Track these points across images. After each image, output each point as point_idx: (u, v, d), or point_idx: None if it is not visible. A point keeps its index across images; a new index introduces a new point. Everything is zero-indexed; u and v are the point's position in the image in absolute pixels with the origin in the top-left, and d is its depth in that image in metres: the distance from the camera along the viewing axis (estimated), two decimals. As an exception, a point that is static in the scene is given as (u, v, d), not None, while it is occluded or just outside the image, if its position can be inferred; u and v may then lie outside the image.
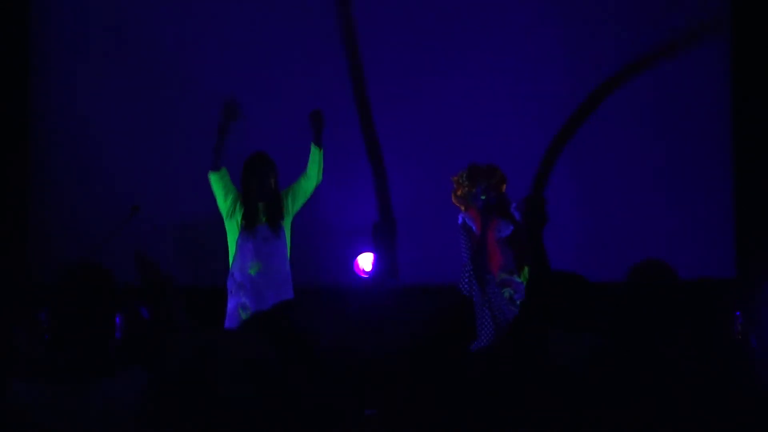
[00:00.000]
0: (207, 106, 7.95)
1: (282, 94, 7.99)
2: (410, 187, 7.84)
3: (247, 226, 6.56)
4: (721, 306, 4.06)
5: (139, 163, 7.91)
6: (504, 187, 6.33)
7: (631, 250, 7.35)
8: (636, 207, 7.89)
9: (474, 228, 6.31)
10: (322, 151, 6.67)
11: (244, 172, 6.64)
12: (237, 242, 6.61)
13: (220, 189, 6.66)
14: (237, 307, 6.54)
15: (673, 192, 7.98)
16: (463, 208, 6.35)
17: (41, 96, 7.96)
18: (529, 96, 7.97)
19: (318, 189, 7.58)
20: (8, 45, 7.94)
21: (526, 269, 6.17)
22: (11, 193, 7.90)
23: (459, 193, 6.34)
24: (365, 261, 7.62)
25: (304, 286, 7.18)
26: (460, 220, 6.40)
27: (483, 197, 6.24)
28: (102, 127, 7.94)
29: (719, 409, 3.53)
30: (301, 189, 6.70)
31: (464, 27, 8.00)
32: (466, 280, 6.19)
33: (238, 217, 6.62)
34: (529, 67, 7.99)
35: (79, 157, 7.91)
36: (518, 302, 5.93)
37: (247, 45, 7.97)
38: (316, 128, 6.67)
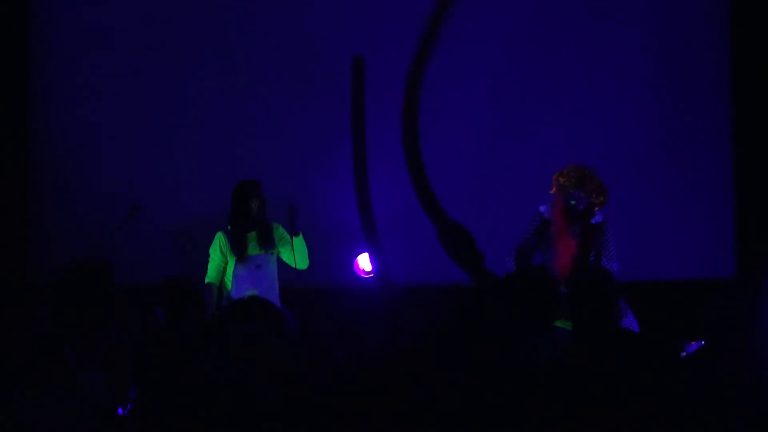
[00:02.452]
0: (207, 107, 7.96)
1: (282, 95, 7.98)
2: (408, 187, 7.82)
3: (239, 258, 6.73)
4: (722, 306, 4.06)
5: (139, 163, 7.91)
6: (596, 207, 6.37)
7: (631, 250, 7.35)
8: (636, 207, 7.89)
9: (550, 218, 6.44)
10: (299, 236, 6.79)
11: (231, 203, 6.78)
12: (234, 272, 6.75)
13: (221, 267, 6.82)
14: None
15: (673, 192, 7.98)
16: (553, 190, 6.38)
17: (41, 96, 7.96)
18: (528, 95, 7.99)
19: (318, 189, 7.59)
20: (8, 45, 7.94)
21: None
22: (11, 193, 7.89)
23: (561, 180, 6.36)
24: (365, 261, 7.62)
25: (304, 286, 7.18)
26: (542, 209, 6.46)
27: (573, 202, 6.29)
28: (102, 128, 7.93)
29: (717, 407, 3.53)
30: (282, 252, 6.84)
31: (457, 28, 8.01)
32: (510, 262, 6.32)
33: (229, 251, 6.77)
34: (528, 65, 8.01)
35: (79, 158, 7.91)
36: None
37: (247, 45, 7.97)
38: (290, 220, 6.75)
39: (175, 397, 3.19)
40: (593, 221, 6.39)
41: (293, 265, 6.83)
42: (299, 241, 6.79)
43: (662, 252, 7.91)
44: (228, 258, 6.79)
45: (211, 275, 6.84)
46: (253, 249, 6.74)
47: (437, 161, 7.85)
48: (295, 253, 6.77)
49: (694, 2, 8.06)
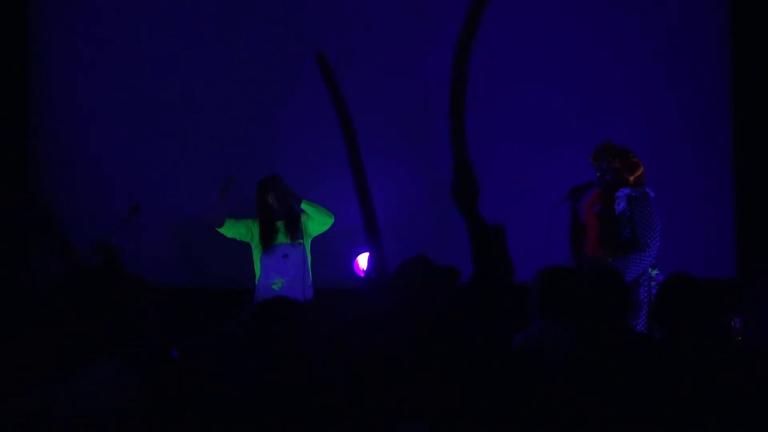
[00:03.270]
0: (207, 106, 7.96)
1: (283, 96, 7.98)
2: (407, 186, 7.83)
3: (265, 247, 6.88)
4: (722, 306, 4.06)
5: (139, 163, 7.91)
6: (630, 177, 6.37)
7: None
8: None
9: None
10: (306, 201, 6.96)
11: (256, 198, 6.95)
12: (261, 260, 6.91)
13: (236, 232, 6.95)
14: None
15: (673, 192, 7.98)
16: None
17: (41, 96, 7.96)
18: (525, 94, 7.99)
19: (319, 190, 7.59)
20: (8, 45, 7.94)
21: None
22: (11, 193, 7.90)
23: (590, 159, 6.46)
24: (365, 261, 7.62)
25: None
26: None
27: (598, 174, 6.38)
28: (102, 127, 7.94)
29: (717, 407, 3.53)
30: (309, 225, 6.99)
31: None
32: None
33: (257, 239, 6.93)
34: (526, 68, 8.01)
35: (79, 157, 7.91)
36: None
37: (250, 45, 7.97)
38: (291, 199, 6.92)
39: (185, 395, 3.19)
40: (625, 193, 6.36)
41: (326, 228, 7.00)
42: (308, 206, 6.93)
43: (662, 252, 7.91)
44: (253, 246, 6.94)
45: (223, 226, 6.94)
46: (280, 239, 6.90)
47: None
48: (315, 214, 6.93)
49: (694, 3, 8.07)
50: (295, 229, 6.91)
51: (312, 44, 7.93)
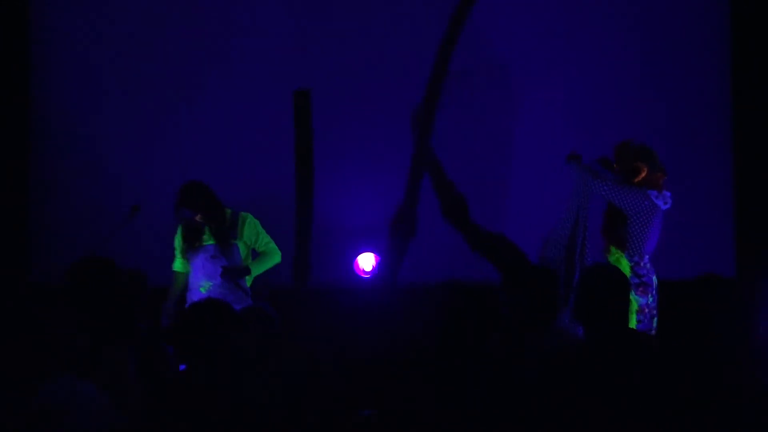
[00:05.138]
0: (207, 106, 7.96)
1: (282, 94, 7.98)
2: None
3: (189, 247, 6.69)
4: (721, 306, 4.06)
5: (139, 163, 7.91)
6: (635, 180, 6.47)
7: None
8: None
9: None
10: (251, 271, 6.76)
11: None
12: (190, 261, 6.74)
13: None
14: None
15: (673, 192, 7.98)
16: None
17: (41, 96, 7.96)
18: (531, 96, 7.99)
19: (318, 189, 7.58)
20: (8, 45, 7.94)
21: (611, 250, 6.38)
22: (11, 193, 7.89)
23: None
24: (365, 261, 7.62)
25: (303, 286, 7.17)
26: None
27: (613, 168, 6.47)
28: (102, 127, 7.94)
29: (718, 407, 3.52)
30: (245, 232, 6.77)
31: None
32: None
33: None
34: (525, 67, 8.01)
35: (79, 157, 7.91)
36: None
37: (248, 45, 7.97)
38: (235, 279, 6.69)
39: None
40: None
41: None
42: (258, 270, 6.76)
43: (662, 252, 7.90)
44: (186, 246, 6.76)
45: (175, 264, 6.85)
46: (208, 239, 6.68)
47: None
48: (263, 268, 6.76)
49: (694, 4, 8.07)
50: (222, 233, 6.64)
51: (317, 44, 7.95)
